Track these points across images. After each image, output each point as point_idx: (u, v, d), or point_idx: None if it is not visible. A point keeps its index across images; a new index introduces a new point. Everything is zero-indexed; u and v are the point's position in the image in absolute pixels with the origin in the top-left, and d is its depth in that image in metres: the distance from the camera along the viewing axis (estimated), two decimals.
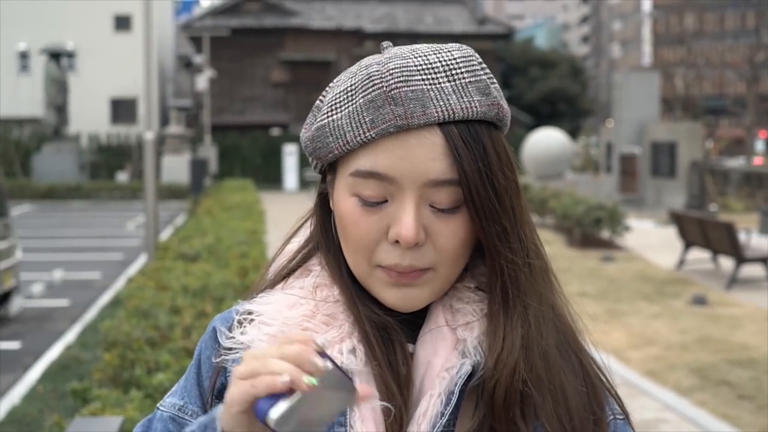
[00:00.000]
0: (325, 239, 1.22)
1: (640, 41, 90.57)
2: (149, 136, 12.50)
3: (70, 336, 9.54)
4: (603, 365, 1.24)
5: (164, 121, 41.88)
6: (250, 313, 1.20)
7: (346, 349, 1.13)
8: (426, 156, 1.08)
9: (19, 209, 25.91)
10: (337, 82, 1.17)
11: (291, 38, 45.93)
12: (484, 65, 1.15)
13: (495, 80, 1.15)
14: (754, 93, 46.18)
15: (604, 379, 1.22)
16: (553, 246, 17.03)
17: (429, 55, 1.12)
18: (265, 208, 17.10)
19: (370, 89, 1.10)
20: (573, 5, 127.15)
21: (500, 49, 50.51)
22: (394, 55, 1.12)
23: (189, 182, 29.69)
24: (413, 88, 1.09)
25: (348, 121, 1.11)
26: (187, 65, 48.41)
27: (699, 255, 14.59)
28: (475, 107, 1.10)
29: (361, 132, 1.10)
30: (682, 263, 14.35)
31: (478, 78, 1.12)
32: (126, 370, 4.66)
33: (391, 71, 1.10)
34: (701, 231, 13.63)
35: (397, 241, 1.09)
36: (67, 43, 41.28)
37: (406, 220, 1.08)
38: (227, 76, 44.57)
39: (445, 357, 1.12)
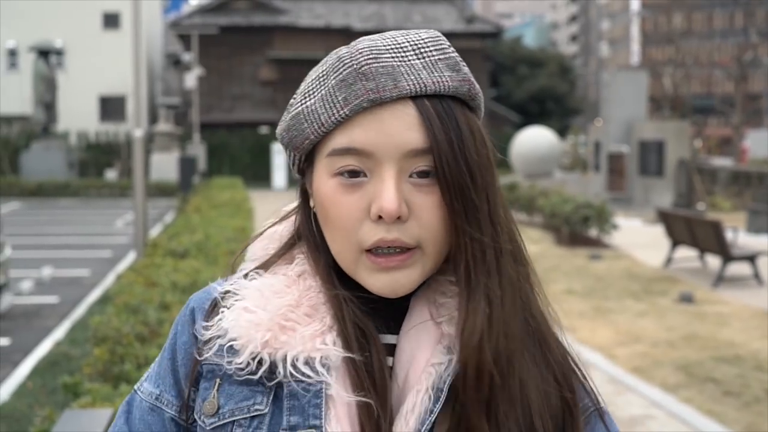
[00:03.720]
0: (309, 234, 1.21)
1: (628, 40, 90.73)
2: (138, 133, 12.49)
3: (60, 332, 9.55)
4: (577, 358, 1.22)
5: (153, 118, 41.82)
6: (230, 293, 1.19)
7: (329, 342, 1.12)
8: (401, 127, 1.08)
9: (8, 207, 25.87)
10: (309, 74, 1.18)
11: (280, 36, 45.88)
12: (453, 48, 1.15)
13: (465, 63, 1.16)
14: (742, 92, 46.28)
15: (578, 372, 1.20)
16: (541, 244, 17.10)
17: (398, 37, 1.13)
18: (254, 205, 17.10)
19: (341, 69, 1.11)
20: (562, 4, 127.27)
21: (489, 48, 50.52)
22: (363, 39, 1.14)
23: (178, 180, 29.64)
24: (383, 64, 1.09)
25: (322, 103, 1.12)
26: (175, 63, 48.24)
27: (686, 253, 14.65)
28: (446, 82, 1.11)
29: (335, 111, 1.10)
30: (670, 261, 14.41)
31: (448, 55, 1.13)
32: (116, 365, 4.68)
33: (360, 50, 1.11)
34: (688, 229, 13.69)
35: (380, 217, 1.08)
36: (56, 40, 41.10)
37: (386, 193, 1.07)
38: (216, 74, 44.49)
39: (431, 352, 1.12)
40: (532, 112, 51.95)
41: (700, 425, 6.78)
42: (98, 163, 39.78)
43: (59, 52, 39.35)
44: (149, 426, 1.21)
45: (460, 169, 1.08)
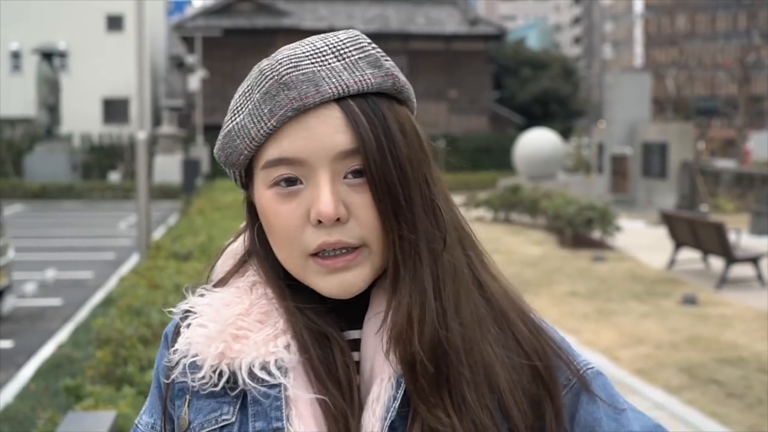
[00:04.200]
0: (257, 247, 1.23)
1: (631, 42, 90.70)
2: (141, 136, 12.50)
3: (63, 335, 9.56)
4: (552, 330, 1.22)
5: (156, 121, 41.88)
6: (189, 313, 1.21)
7: (281, 345, 1.13)
8: (328, 131, 1.09)
9: (12, 209, 25.87)
10: (237, 91, 1.19)
11: (283, 39, 45.82)
12: (373, 45, 1.16)
13: (388, 57, 1.16)
14: (746, 94, 46.28)
15: (551, 344, 1.20)
16: (544, 246, 17.11)
17: (316, 42, 1.14)
18: None
19: (264, 82, 1.12)
20: (565, 6, 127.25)
21: (492, 50, 50.51)
22: (283, 49, 1.15)
23: (181, 182, 29.67)
24: (304, 71, 1.10)
25: (250, 118, 1.13)
26: (179, 65, 48.29)
27: (689, 255, 14.64)
28: (369, 79, 1.12)
29: (262, 124, 1.11)
30: (673, 263, 14.40)
31: (368, 53, 1.14)
32: (118, 367, 4.69)
33: (280, 61, 1.12)
34: (691, 231, 13.68)
35: (320, 222, 1.10)
36: (59, 43, 41.17)
37: (322, 197, 1.09)
38: (219, 77, 44.49)
39: (383, 340, 1.12)
40: (536, 114, 51.90)
41: (704, 427, 6.78)
42: (101, 166, 39.78)
43: (63, 55, 39.42)
44: None
45: (388, 167, 1.10)
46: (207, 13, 46.14)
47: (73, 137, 40.69)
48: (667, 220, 14.83)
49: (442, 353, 1.10)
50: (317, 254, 1.12)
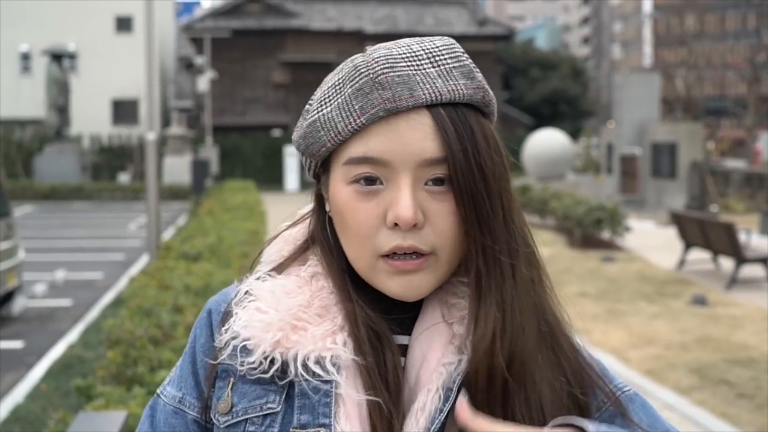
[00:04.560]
0: (323, 238, 1.23)
1: (640, 42, 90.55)
2: (151, 137, 12.52)
3: (73, 335, 9.58)
4: (590, 357, 1.22)
5: (166, 122, 41.92)
6: (247, 294, 1.21)
7: (339, 342, 1.13)
8: (417, 137, 1.10)
9: (21, 210, 25.95)
10: (325, 81, 1.19)
11: (292, 39, 45.94)
12: (467, 55, 1.17)
13: (479, 70, 1.17)
14: (755, 94, 46.14)
15: (590, 372, 1.19)
16: (553, 246, 17.08)
17: (412, 45, 1.15)
18: (267, 208, 17.13)
19: (358, 78, 1.12)
20: (574, 6, 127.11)
21: (501, 51, 50.51)
22: (378, 47, 1.15)
23: (190, 183, 29.70)
24: (399, 73, 1.10)
25: (338, 112, 1.13)
26: (188, 66, 48.39)
27: (699, 255, 14.61)
28: (461, 90, 1.12)
29: (351, 120, 1.11)
30: (683, 264, 14.38)
31: (462, 63, 1.15)
32: (129, 367, 4.70)
33: (376, 59, 1.12)
34: (701, 231, 13.65)
35: (396, 225, 1.10)
36: (69, 44, 41.29)
37: (403, 201, 1.09)
38: (228, 78, 44.56)
39: (442, 352, 1.13)
40: (545, 115, 51.91)
41: (714, 427, 6.76)
42: (111, 167, 39.88)
43: (72, 56, 39.54)
44: (173, 428, 1.24)
45: (474, 178, 1.10)
46: (216, 14, 46.22)
47: (83, 138, 40.79)
48: (677, 220, 14.80)
49: (513, 369, 1.10)
50: (387, 255, 1.12)
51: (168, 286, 6.66)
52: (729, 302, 11.63)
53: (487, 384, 1.10)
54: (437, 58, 1.13)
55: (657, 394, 7.53)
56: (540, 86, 53.92)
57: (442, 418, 1.10)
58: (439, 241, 1.11)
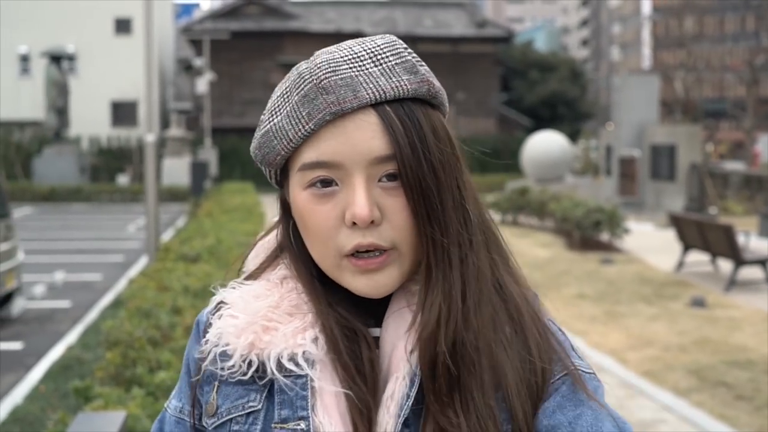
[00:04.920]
0: (289, 244, 1.26)
1: (639, 44, 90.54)
2: (150, 138, 12.54)
3: (72, 337, 9.58)
4: (561, 335, 1.23)
5: (165, 123, 41.93)
6: (222, 304, 1.26)
7: (309, 338, 1.16)
8: (364, 136, 1.12)
9: (21, 211, 25.95)
10: (275, 91, 1.22)
11: (290, 41, 45.95)
12: (409, 50, 1.18)
13: (423, 62, 1.18)
14: (754, 96, 46.17)
15: (559, 351, 1.20)
16: (552, 248, 17.09)
17: (354, 46, 1.17)
18: (265, 210, 17.13)
19: (303, 85, 1.15)
20: (573, 8, 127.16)
21: (500, 53, 50.50)
22: (321, 52, 1.17)
23: (189, 185, 29.72)
24: (342, 75, 1.13)
25: (288, 120, 1.15)
26: (187, 68, 48.39)
27: (698, 257, 14.62)
28: (405, 85, 1.14)
29: (300, 126, 1.14)
30: (681, 265, 14.38)
31: (404, 59, 1.16)
32: (128, 368, 4.70)
33: (318, 65, 1.14)
34: (700, 233, 13.66)
35: (354, 224, 1.12)
36: (68, 46, 41.31)
37: (358, 200, 1.11)
38: (227, 79, 44.59)
39: (407, 338, 1.15)
40: (544, 117, 51.88)
41: (712, 429, 6.77)
42: (110, 168, 39.90)
43: (71, 58, 39.56)
44: None
45: (422, 171, 1.12)
46: (215, 16, 46.22)
47: (82, 140, 40.82)
48: (676, 222, 14.81)
49: (461, 354, 1.12)
50: (351, 254, 1.14)
51: (167, 288, 6.67)
52: (727, 304, 11.64)
53: (430, 372, 1.12)
54: (379, 57, 1.15)
55: (655, 396, 7.54)
56: (539, 88, 53.88)
57: (409, 403, 1.12)
58: (397, 235, 1.14)
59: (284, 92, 1.18)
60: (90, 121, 43.39)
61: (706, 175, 23.66)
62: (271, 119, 1.19)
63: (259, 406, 1.17)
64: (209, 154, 35.90)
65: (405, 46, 1.19)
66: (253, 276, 1.29)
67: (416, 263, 1.17)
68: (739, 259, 12.73)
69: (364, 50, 1.16)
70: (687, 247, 14.35)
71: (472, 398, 1.12)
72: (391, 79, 1.14)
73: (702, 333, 9.90)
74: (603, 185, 27.23)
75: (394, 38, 1.19)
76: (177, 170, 33.95)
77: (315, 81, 1.13)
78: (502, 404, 1.13)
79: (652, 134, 25.37)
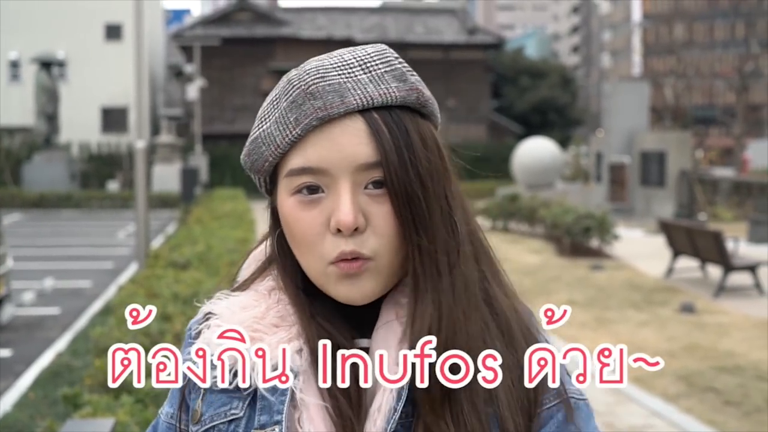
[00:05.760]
0: (276, 254, 1.26)
1: (630, 51, 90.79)
2: (140, 145, 12.51)
3: (61, 344, 9.55)
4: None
5: (155, 130, 41.87)
6: (210, 314, 1.26)
7: (293, 349, 1.16)
8: (351, 142, 1.12)
9: (10, 218, 25.88)
10: (266, 99, 1.22)
11: (281, 48, 45.98)
12: (400, 59, 1.19)
13: (413, 72, 1.19)
14: (744, 102, 46.35)
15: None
16: (542, 255, 17.12)
17: (344, 54, 1.17)
18: (255, 217, 17.11)
19: (291, 91, 1.15)
20: (563, 15, 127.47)
21: (490, 59, 50.60)
22: (312, 60, 1.18)
23: (180, 191, 29.68)
24: (330, 82, 1.13)
25: (276, 126, 1.16)
26: (177, 74, 48.36)
27: (687, 263, 14.65)
28: (393, 93, 1.14)
29: (288, 132, 1.14)
30: (671, 272, 14.42)
31: (394, 67, 1.17)
32: None
33: (308, 71, 1.15)
34: (689, 240, 13.70)
35: (339, 230, 1.12)
36: (58, 52, 41.21)
37: (342, 206, 1.11)
38: (218, 86, 44.57)
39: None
40: (534, 123, 51.95)
41: None
42: (100, 175, 39.82)
43: (61, 64, 39.46)
44: None
45: (409, 179, 1.12)
46: (205, 22, 46.23)
47: (72, 146, 40.72)
48: (665, 228, 14.85)
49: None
50: (336, 261, 1.14)
51: (156, 295, 6.66)
52: (716, 310, 11.67)
53: (425, 389, 1.11)
54: (368, 65, 1.15)
55: (644, 402, 7.55)
56: (529, 95, 53.98)
57: (396, 417, 1.11)
58: (380, 243, 1.13)
59: (274, 99, 1.18)
60: (80, 127, 43.30)
61: (695, 181, 23.75)
62: (260, 126, 1.19)
63: (241, 414, 1.17)
64: (200, 161, 35.87)
65: (396, 55, 1.19)
66: (242, 287, 1.29)
67: (400, 273, 1.17)
68: (728, 265, 12.76)
69: (354, 58, 1.16)
70: (676, 253, 14.39)
71: (462, 410, 1.11)
72: (379, 86, 1.14)
73: (691, 339, 9.93)
74: (593, 192, 27.26)
75: (385, 47, 1.19)
76: (167, 177, 33.90)
77: (303, 87, 1.13)
78: (494, 418, 1.13)
79: (641, 141, 25.43)
